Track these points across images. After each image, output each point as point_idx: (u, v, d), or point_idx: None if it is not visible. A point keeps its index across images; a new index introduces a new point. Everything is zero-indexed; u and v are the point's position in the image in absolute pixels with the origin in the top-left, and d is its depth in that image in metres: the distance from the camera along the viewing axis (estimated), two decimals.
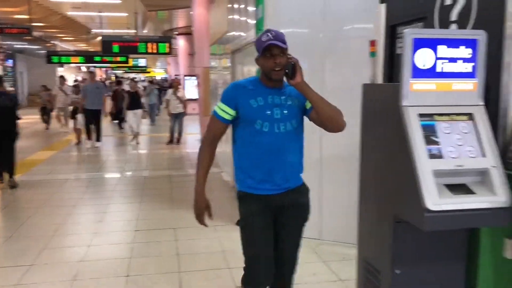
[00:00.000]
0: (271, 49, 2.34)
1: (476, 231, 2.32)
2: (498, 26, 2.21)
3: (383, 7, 3.38)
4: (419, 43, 2.10)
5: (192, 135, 14.03)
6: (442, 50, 2.12)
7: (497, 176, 2.03)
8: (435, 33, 2.21)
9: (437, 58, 2.12)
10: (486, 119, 2.15)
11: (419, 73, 2.11)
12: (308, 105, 2.49)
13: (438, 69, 2.13)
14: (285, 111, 2.45)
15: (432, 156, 2.03)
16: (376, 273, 2.47)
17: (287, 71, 2.35)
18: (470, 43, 2.14)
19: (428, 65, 2.12)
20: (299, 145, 2.58)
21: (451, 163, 2.04)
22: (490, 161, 2.06)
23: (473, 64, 2.15)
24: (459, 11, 2.45)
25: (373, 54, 2.64)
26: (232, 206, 4.01)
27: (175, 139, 12.75)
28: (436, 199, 1.94)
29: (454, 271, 2.34)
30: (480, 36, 2.14)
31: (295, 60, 2.34)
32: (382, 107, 2.39)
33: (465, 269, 2.36)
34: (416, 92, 2.12)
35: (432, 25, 2.70)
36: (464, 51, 2.14)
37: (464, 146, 2.09)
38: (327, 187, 5.16)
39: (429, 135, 2.08)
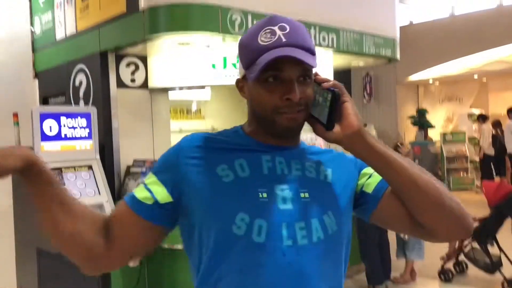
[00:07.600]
0: (279, 67, 0.94)
1: None
2: (107, 103, 3.20)
3: (36, 82, 4.08)
4: (45, 116, 2.85)
5: None
6: (65, 121, 2.93)
7: (109, 207, 2.92)
8: (58, 109, 3.02)
9: (61, 126, 2.91)
10: (101, 168, 3.03)
11: (47, 138, 2.85)
12: (372, 184, 1.05)
13: (63, 135, 2.92)
14: (305, 193, 0.99)
15: None
16: None
17: (318, 116, 0.98)
18: (86, 116, 3.01)
19: (54, 132, 2.88)
20: (339, 270, 1.04)
21: None
22: (104, 197, 2.93)
23: (89, 130, 3.02)
24: (84, 91, 3.36)
25: (17, 123, 3.25)
26: None
27: None
28: None
29: (90, 284, 3.11)
30: (92, 111, 3.04)
31: (338, 86, 0.97)
32: None
33: (101, 282, 3.15)
34: (47, 152, 2.85)
35: (70, 99, 3.55)
36: (81, 121, 3.00)
37: (86, 188, 2.91)
38: None
39: None
